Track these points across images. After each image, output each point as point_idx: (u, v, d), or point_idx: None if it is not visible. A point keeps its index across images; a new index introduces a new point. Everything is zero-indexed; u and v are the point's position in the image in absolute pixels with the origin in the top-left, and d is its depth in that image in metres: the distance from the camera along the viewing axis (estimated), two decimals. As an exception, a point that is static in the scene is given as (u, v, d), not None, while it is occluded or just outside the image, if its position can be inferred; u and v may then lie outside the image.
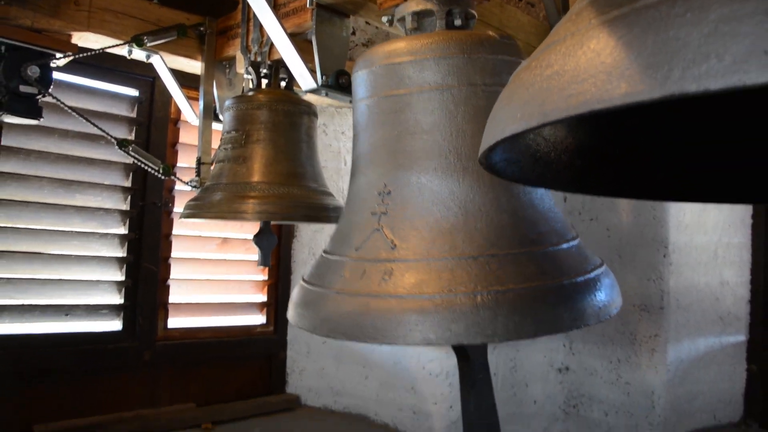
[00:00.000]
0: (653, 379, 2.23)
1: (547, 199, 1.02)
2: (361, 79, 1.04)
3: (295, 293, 1.00)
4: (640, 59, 0.42)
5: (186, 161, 2.24)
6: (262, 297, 2.55)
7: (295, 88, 1.65)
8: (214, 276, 2.42)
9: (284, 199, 1.45)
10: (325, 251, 1.04)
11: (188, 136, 2.26)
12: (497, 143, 0.62)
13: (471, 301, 0.80)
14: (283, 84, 1.67)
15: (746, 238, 2.48)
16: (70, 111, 1.73)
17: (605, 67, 0.45)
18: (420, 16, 1.07)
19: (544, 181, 0.95)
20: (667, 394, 2.21)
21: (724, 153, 0.95)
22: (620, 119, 0.94)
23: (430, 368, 2.21)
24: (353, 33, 2.33)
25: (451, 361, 2.17)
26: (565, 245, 0.95)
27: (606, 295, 0.91)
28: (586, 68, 0.47)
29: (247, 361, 2.51)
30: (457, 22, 1.05)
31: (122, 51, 1.78)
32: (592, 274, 0.92)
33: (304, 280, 1.02)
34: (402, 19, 1.09)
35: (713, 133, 0.94)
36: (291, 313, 0.97)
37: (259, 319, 2.55)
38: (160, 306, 2.25)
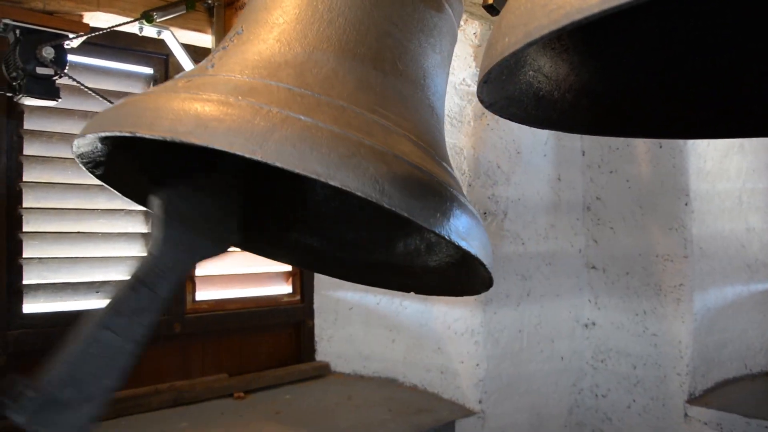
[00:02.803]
0: (680, 330, 2.22)
1: (433, 118, 0.92)
2: None
3: None
4: (615, -35, 0.43)
5: (204, 136, 2.27)
6: (287, 266, 2.59)
7: (304, 53, 1.66)
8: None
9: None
10: None
11: (204, 111, 2.29)
12: (490, 74, 0.63)
13: (252, 109, 0.68)
14: (292, 50, 1.68)
15: (771, 183, 2.44)
16: (88, 90, 1.76)
17: (583, -22, 0.45)
18: None
19: (550, 121, 0.95)
20: (694, 344, 2.21)
21: (729, 86, 0.94)
22: (625, 56, 0.93)
23: (456, 327, 2.23)
24: None
25: (476, 319, 2.19)
26: (423, 144, 0.81)
27: (458, 219, 0.75)
28: (566, -18, 0.47)
29: (276, 331, 2.56)
30: None
31: (133, 28, 1.81)
32: (450, 189, 0.78)
33: None
34: None
35: (719, 66, 0.93)
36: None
37: (285, 288, 2.60)
38: (188, 279, 2.30)
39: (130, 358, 0.84)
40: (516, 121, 0.86)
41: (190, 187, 0.98)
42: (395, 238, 1.12)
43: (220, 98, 0.70)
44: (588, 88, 0.93)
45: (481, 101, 0.73)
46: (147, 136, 0.69)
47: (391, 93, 0.84)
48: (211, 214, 0.98)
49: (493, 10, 1.08)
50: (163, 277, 0.89)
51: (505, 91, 0.77)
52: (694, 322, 2.20)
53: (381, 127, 0.76)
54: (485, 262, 0.81)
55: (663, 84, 0.98)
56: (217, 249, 1.03)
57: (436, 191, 0.74)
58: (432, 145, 0.83)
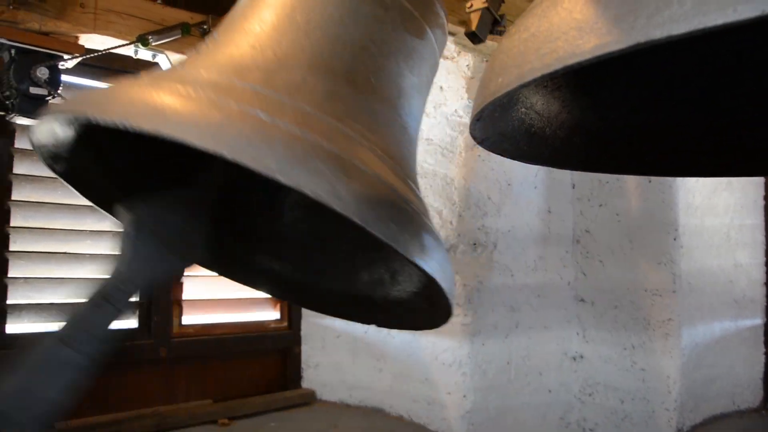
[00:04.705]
0: (668, 365, 2.22)
1: (405, 138, 0.90)
2: None
3: None
4: (608, 12, 0.43)
5: (196, 159, 2.27)
6: (276, 293, 2.57)
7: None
8: (227, 273, 2.44)
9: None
10: None
11: (197, 135, 2.29)
12: (483, 112, 0.63)
13: (211, 102, 0.66)
14: (286, 77, 1.68)
15: (759, 220, 2.46)
16: (79, 111, 1.76)
17: (577, 23, 0.46)
18: None
19: (542, 157, 0.95)
20: (683, 379, 2.20)
21: (723, 127, 0.95)
22: (617, 94, 0.94)
23: (443, 358, 2.22)
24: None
25: (464, 350, 2.18)
26: (388, 161, 0.78)
27: (417, 236, 0.70)
28: (559, 26, 0.48)
29: (263, 357, 2.54)
30: None
31: (128, 51, 1.81)
32: (410, 204, 0.74)
33: None
34: None
35: (713, 109, 0.94)
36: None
37: (272, 314, 2.58)
38: (175, 303, 2.28)
39: (83, 375, 0.80)
40: (508, 157, 0.86)
41: (158, 200, 0.96)
42: (360, 266, 1.10)
43: (180, 90, 0.67)
44: (580, 125, 0.93)
45: (474, 138, 0.73)
46: (97, 119, 0.65)
47: (360, 106, 0.82)
48: (179, 230, 0.96)
49: (475, 37, 1.09)
50: (126, 293, 0.86)
51: (497, 128, 0.78)
52: (683, 357, 2.19)
53: (344, 135, 0.73)
54: (444, 286, 0.74)
55: (654, 122, 0.98)
56: (182, 264, 0.99)
57: (395, 204, 0.70)
58: (399, 162, 0.81)
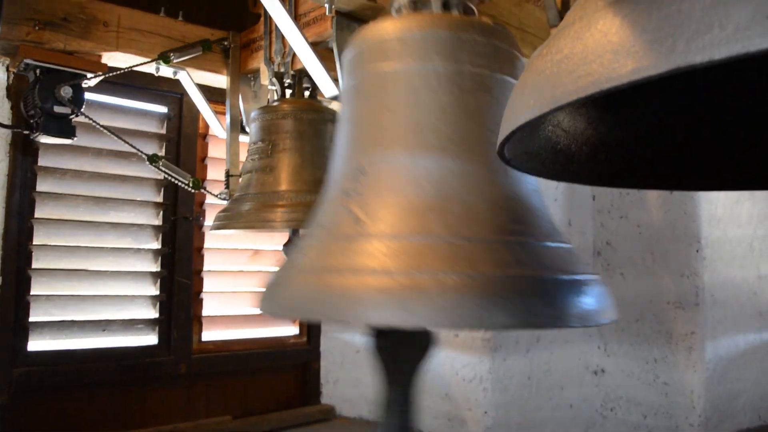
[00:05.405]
0: (692, 379, 2.18)
1: (536, 199, 0.97)
2: (347, 61, 1.00)
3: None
4: (645, 35, 0.43)
5: (216, 175, 2.28)
6: (295, 307, 2.57)
7: (318, 97, 1.67)
8: (247, 288, 2.45)
9: (311, 207, 1.47)
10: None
11: (217, 150, 2.31)
12: (513, 134, 0.63)
13: (437, 282, 0.73)
14: (307, 93, 1.69)
15: (783, 231, 2.43)
16: (102, 129, 1.78)
17: (612, 46, 0.45)
18: (416, 5, 1.00)
19: (567, 174, 0.95)
20: (707, 394, 2.17)
21: (749, 138, 0.94)
22: (642, 109, 0.93)
23: (464, 374, 2.20)
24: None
25: (484, 365, 2.16)
26: (549, 243, 0.88)
27: (595, 300, 0.82)
28: (593, 49, 0.47)
29: (282, 373, 2.53)
30: (454, 12, 0.99)
31: (150, 68, 1.83)
32: (579, 277, 0.84)
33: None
34: (399, 9, 1.02)
35: (738, 119, 0.93)
36: (259, 301, 0.92)
37: (291, 330, 2.58)
38: (194, 319, 2.29)
39: None
40: (534, 174, 0.86)
41: None
42: None
43: (398, 275, 0.74)
44: (605, 141, 0.93)
45: (501, 157, 0.72)
46: (355, 324, 0.76)
47: (508, 201, 0.89)
48: None
49: None
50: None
51: (524, 147, 0.77)
52: (707, 371, 2.16)
53: (523, 249, 0.82)
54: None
55: (679, 137, 0.97)
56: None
57: (573, 288, 0.80)
58: (550, 232, 0.89)
